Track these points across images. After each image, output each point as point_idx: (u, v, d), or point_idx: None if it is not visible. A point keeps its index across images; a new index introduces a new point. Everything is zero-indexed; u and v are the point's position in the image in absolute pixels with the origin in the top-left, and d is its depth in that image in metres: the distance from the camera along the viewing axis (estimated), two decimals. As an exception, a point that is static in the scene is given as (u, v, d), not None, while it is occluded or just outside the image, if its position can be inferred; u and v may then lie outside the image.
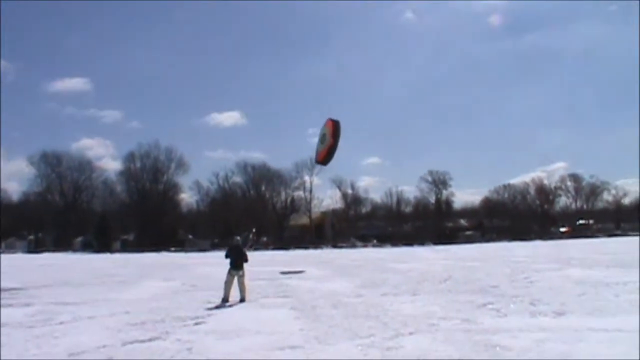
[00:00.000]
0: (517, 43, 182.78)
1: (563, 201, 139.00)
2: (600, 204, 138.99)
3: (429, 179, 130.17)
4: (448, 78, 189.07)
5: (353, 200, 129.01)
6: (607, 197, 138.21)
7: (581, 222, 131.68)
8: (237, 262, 20.33)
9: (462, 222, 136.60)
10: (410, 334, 12.55)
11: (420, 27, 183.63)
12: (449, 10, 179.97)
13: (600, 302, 16.81)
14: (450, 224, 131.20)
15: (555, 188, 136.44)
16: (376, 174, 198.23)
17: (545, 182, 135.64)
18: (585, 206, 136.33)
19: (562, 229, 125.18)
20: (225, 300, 19.46)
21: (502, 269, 30.77)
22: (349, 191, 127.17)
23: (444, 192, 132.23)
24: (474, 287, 21.96)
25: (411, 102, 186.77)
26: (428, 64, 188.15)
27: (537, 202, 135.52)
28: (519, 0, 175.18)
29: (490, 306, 16.59)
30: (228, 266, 20.42)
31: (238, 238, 22.34)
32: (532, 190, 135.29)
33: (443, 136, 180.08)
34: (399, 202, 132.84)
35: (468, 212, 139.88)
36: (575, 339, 11.37)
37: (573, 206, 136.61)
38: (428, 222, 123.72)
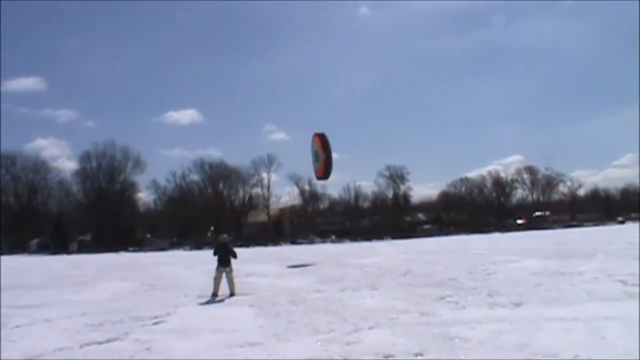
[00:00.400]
0: (472, 38, 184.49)
1: (519, 193, 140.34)
2: (556, 196, 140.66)
3: (387, 173, 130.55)
4: (404, 73, 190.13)
5: (311, 197, 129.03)
6: (562, 189, 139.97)
7: (538, 214, 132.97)
8: (225, 259, 21.15)
9: (420, 216, 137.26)
10: (370, 328, 12.63)
11: (375, 23, 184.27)
12: (404, 7, 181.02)
13: (556, 292, 17.02)
14: (408, 218, 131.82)
15: (512, 181, 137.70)
16: (334, 170, 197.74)
17: (502, 174, 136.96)
18: (541, 198, 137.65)
19: (519, 221, 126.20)
20: (214, 295, 20.39)
21: (460, 262, 30.95)
22: (307, 187, 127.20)
23: (402, 187, 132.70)
24: (432, 281, 22.10)
25: (368, 97, 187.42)
26: (384, 59, 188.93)
27: (494, 194, 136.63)
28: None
29: (448, 299, 16.73)
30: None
31: (225, 236, 23.37)
32: (488, 183, 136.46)
33: (400, 131, 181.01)
34: (357, 197, 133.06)
35: (426, 206, 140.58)
36: (532, 329, 11.52)
37: (529, 198, 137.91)
38: (386, 216, 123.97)
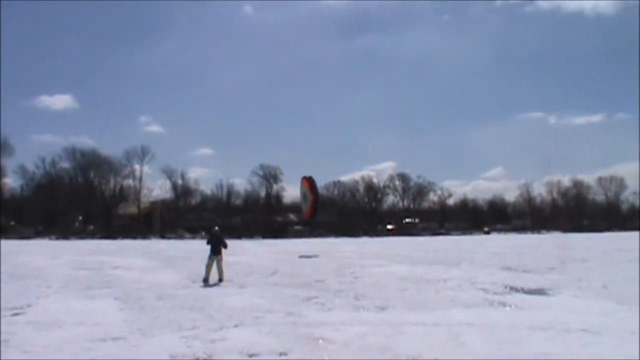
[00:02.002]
0: (352, 45, 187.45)
1: (391, 200, 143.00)
2: (426, 204, 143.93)
3: (260, 172, 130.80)
4: (284, 73, 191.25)
5: (183, 191, 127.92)
6: (433, 197, 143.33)
7: (407, 220, 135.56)
8: (217, 248, 22.96)
9: (292, 216, 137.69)
10: (235, 326, 12.60)
11: (258, 22, 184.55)
12: (289, 8, 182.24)
13: (420, 297, 17.37)
14: (279, 218, 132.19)
15: (384, 187, 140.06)
16: (207, 166, 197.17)
17: (374, 180, 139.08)
18: (411, 205, 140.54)
19: (389, 227, 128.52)
20: (205, 280, 21.93)
21: (328, 264, 31.26)
22: (179, 182, 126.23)
23: (275, 187, 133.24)
24: (300, 281, 22.27)
25: (246, 95, 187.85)
26: (265, 58, 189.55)
27: (366, 199, 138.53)
28: (357, 1, 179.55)
29: (315, 300, 16.86)
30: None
31: (217, 228, 24.80)
32: (361, 188, 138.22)
33: (276, 131, 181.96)
34: (229, 194, 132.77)
35: (298, 207, 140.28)
36: (395, 333, 11.71)
37: (400, 205, 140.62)
38: (258, 215, 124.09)
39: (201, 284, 21.75)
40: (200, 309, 14.99)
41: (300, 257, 36.76)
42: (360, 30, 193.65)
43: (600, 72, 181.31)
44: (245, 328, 12.43)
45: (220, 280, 22.21)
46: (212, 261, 22.60)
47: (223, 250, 23.35)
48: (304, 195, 48.40)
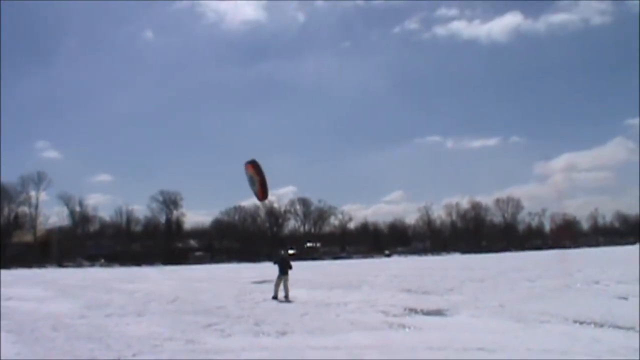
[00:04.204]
0: (252, 70, 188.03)
1: (292, 224, 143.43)
2: (327, 228, 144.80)
3: (160, 198, 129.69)
4: (183, 100, 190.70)
5: (81, 218, 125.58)
6: (334, 221, 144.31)
7: (309, 244, 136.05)
8: (284, 269, 25.52)
9: (193, 242, 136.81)
10: (134, 355, 12.39)
11: (159, 47, 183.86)
12: (189, 34, 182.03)
13: (321, 321, 17.39)
14: (180, 245, 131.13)
15: (285, 211, 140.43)
16: (106, 192, 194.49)
17: (275, 205, 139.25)
18: (313, 229, 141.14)
19: (290, 252, 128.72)
20: (275, 297, 24.84)
21: (229, 290, 31.13)
22: (77, 208, 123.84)
23: (175, 213, 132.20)
24: (200, 308, 22.07)
25: (145, 121, 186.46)
26: (164, 84, 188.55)
27: (267, 224, 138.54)
28: (257, 27, 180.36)
29: (215, 327, 16.71)
30: None
31: (282, 252, 30.39)
32: (262, 213, 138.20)
33: (175, 156, 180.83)
34: (128, 221, 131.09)
35: (199, 233, 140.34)
36: (295, 357, 11.70)
37: (301, 229, 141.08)
38: (158, 242, 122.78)
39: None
40: (97, 339, 14.66)
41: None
42: (260, 56, 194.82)
43: (495, 97, 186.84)
44: (143, 357, 12.22)
45: (286, 297, 24.76)
46: (280, 281, 25.33)
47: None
48: (250, 178, 47.26)
